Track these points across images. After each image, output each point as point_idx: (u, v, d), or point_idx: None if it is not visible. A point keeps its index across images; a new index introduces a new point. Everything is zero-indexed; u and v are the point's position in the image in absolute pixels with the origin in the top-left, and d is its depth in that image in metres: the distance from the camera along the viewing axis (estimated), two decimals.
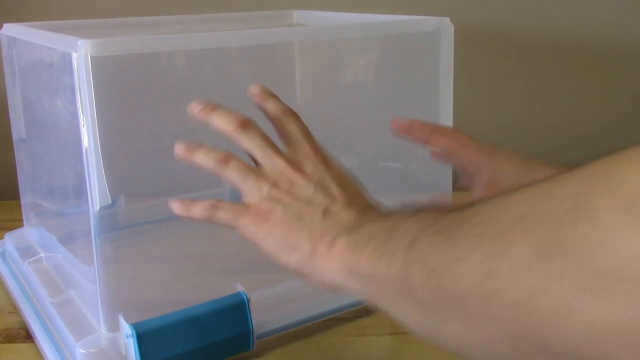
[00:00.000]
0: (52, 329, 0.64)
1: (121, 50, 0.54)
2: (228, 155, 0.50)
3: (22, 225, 0.82)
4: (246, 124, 0.50)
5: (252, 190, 0.49)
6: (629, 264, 0.25)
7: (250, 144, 0.50)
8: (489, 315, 0.32)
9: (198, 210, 0.50)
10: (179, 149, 0.51)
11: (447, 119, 0.75)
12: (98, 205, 0.55)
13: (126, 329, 0.56)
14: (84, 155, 0.54)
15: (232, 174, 0.49)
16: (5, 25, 0.75)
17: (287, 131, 0.52)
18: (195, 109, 0.51)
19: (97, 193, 0.55)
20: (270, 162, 0.50)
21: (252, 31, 0.62)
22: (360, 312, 0.67)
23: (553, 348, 0.29)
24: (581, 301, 0.27)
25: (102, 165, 0.54)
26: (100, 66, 0.52)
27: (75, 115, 0.54)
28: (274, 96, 0.53)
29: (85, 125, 0.53)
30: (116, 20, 0.83)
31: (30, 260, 0.73)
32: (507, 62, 1.09)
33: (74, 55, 0.52)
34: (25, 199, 0.80)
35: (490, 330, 0.32)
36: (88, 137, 0.53)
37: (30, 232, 0.80)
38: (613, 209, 0.26)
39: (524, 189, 0.32)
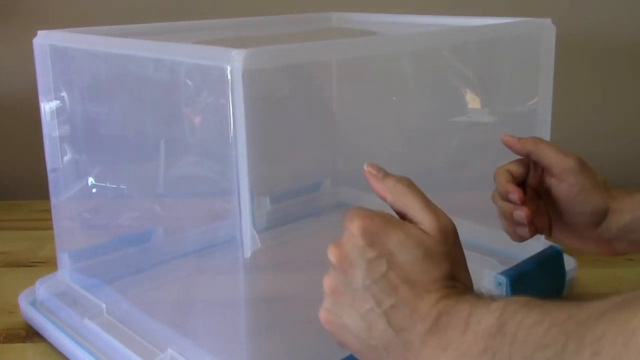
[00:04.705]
0: None
1: (278, 61, 0.44)
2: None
3: (23, 236, 0.78)
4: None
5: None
6: None
7: None
8: None
9: None
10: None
11: (545, 130, 0.70)
12: (250, 250, 0.45)
13: None
14: (234, 187, 0.44)
15: None
16: (47, 33, 0.62)
17: None
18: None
19: (248, 235, 0.45)
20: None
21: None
22: None
23: None
24: None
25: (252, 203, 0.45)
26: (254, 80, 0.43)
27: (215, 140, 0.44)
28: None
29: (235, 150, 0.43)
30: (146, 26, 0.72)
31: (91, 315, 0.61)
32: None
33: (228, 68, 0.42)
34: (62, 239, 0.68)
35: None
36: (239, 164, 0.43)
37: (68, 276, 0.68)
38: None
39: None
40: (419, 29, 0.76)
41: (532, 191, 0.62)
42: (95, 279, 0.67)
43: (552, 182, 0.60)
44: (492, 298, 0.41)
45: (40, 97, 0.64)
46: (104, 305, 0.62)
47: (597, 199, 0.59)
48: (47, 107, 0.64)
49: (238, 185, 0.44)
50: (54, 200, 0.67)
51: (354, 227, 0.43)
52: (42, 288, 0.67)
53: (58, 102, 0.64)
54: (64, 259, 0.68)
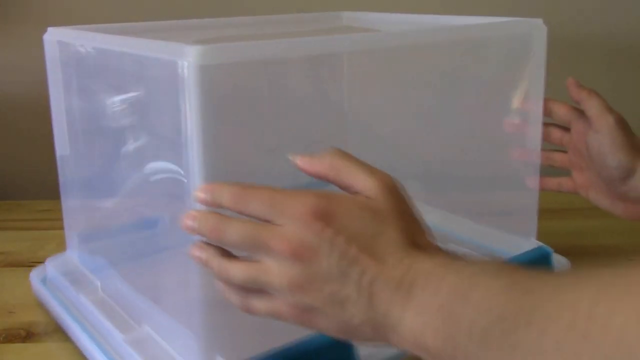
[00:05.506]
0: None
1: (234, 58, 0.47)
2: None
3: (23, 236, 0.80)
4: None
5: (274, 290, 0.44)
6: None
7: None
8: None
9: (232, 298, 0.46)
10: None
11: (536, 132, 0.70)
12: None
13: None
14: (187, 178, 0.47)
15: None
16: (56, 29, 0.67)
17: None
18: None
19: None
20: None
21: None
22: None
23: None
24: None
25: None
26: (210, 76, 0.46)
27: (174, 132, 0.48)
28: None
29: (188, 143, 0.47)
30: (150, 24, 0.74)
31: (86, 290, 0.65)
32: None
33: (182, 64, 0.45)
34: (70, 220, 0.73)
35: None
36: (191, 156, 0.47)
37: (75, 256, 0.73)
38: None
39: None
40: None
41: (576, 149, 0.71)
42: (100, 260, 0.71)
43: (590, 134, 0.67)
44: (462, 259, 0.41)
45: (50, 92, 0.68)
46: (99, 283, 0.66)
47: (625, 155, 0.65)
48: (56, 101, 0.68)
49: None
50: (62, 188, 0.71)
51: (302, 210, 0.42)
52: (51, 266, 0.72)
53: (67, 96, 0.68)
54: (72, 239, 0.73)
